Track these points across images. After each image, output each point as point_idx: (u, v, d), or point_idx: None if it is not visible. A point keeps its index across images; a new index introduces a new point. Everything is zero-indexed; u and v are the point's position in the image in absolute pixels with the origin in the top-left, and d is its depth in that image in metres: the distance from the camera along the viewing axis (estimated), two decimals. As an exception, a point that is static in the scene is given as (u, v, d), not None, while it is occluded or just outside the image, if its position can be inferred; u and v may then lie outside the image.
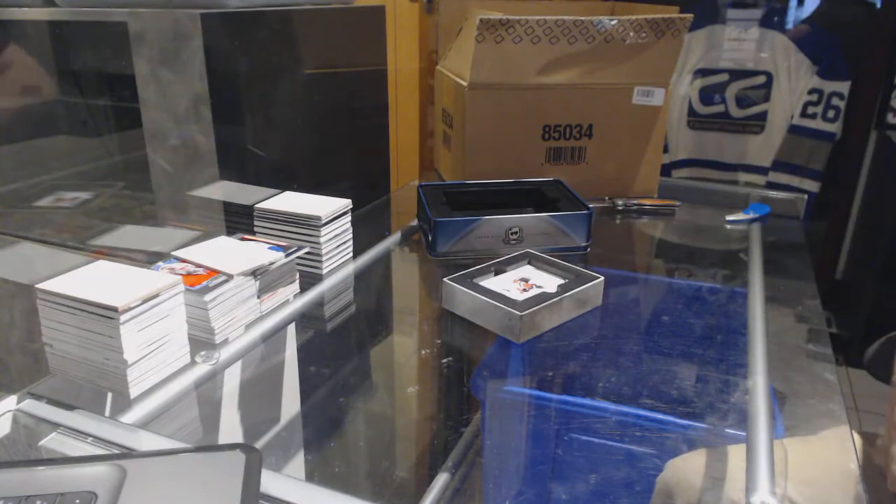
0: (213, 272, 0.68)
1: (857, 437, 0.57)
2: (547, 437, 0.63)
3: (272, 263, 0.72)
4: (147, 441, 0.54)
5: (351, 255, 0.89)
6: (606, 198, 1.14)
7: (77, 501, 0.41)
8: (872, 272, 1.99)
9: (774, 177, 2.02)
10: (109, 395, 0.59)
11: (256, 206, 0.84)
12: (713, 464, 0.57)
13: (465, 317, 0.75)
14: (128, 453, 0.50)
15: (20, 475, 0.43)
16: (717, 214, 1.12)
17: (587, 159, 1.11)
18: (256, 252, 0.74)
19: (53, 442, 0.53)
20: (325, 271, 0.84)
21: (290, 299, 0.77)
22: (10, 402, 0.57)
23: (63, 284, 0.59)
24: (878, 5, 1.90)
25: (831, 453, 0.57)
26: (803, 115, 1.94)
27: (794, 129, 1.97)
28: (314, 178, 1.25)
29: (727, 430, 0.59)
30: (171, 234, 1.11)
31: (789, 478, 0.51)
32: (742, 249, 0.99)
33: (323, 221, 0.82)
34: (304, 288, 0.79)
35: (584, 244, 0.92)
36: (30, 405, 0.57)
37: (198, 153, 1.04)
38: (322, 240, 0.82)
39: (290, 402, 0.66)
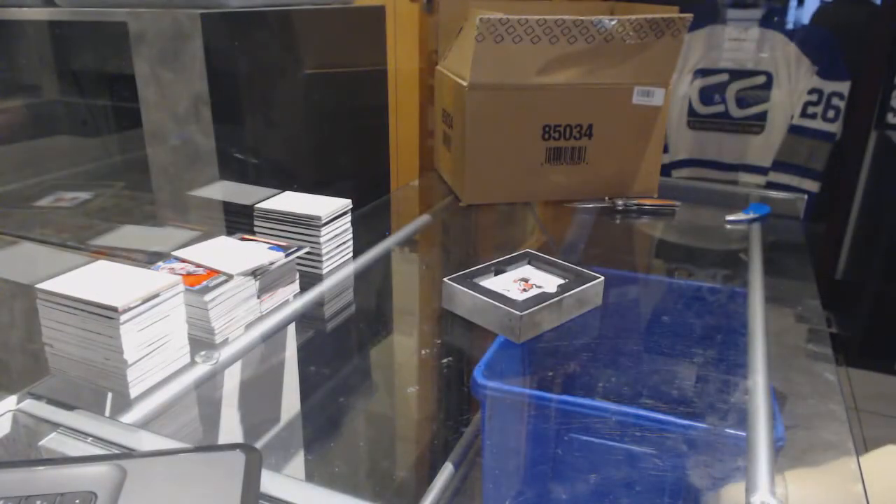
0: (213, 272, 0.68)
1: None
2: (547, 437, 0.63)
3: (272, 263, 0.72)
4: (147, 441, 0.54)
5: (351, 255, 0.89)
6: (606, 198, 1.14)
7: (77, 501, 0.41)
8: (872, 272, 1.99)
9: (774, 177, 2.02)
10: (109, 395, 0.59)
11: (256, 206, 0.84)
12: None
13: (465, 317, 0.75)
14: (128, 453, 0.50)
15: (20, 475, 0.43)
16: (717, 214, 1.12)
17: (587, 159, 1.11)
18: (256, 252, 0.74)
19: (53, 442, 0.53)
20: (325, 271, 0.84)
21: (290, 299, 0.77)
22: (10, 401, 0.57)
23: (63, 284, 0.59)
24: (878, 3, 1.90)
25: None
26: (803, 115, 1.94)
27: (794, 130, 1.97)
28: (314, 178, 1.25)
29: (727, 430, 0.59)
30: (171, 234, 1.11)
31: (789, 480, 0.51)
32: (742, 249, 0.99)
33: (323, 221, 0.82)
34: (304, 288, 0.79)
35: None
36: (30, 405, 0.57)
37: (198, 153, 1.04)
38: (322, 240, 0.82)
39: (291, 402, 0.66)
